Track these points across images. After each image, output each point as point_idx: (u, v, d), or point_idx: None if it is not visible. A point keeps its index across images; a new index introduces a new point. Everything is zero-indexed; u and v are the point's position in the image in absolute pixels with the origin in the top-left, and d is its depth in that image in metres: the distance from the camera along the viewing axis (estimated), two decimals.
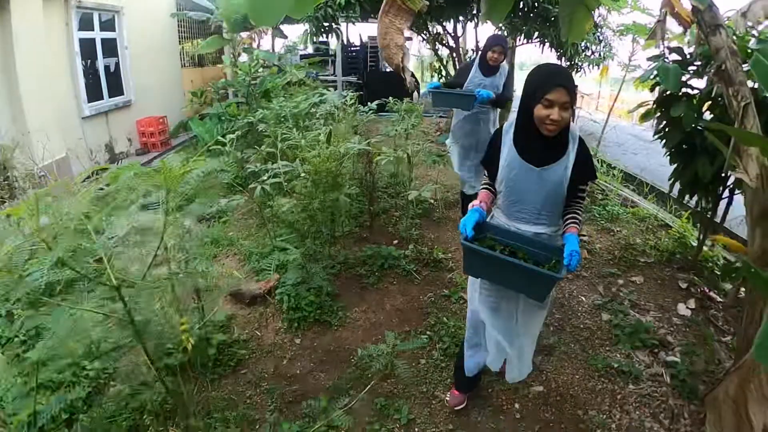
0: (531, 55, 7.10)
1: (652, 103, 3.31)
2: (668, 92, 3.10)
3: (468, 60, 4.42)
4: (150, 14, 7.23)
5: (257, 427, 2.06)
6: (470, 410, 2.19)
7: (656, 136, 3.30)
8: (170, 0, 7.82)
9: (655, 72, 3.15)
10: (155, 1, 7.41)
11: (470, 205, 1.82)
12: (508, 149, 1.80)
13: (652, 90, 3.46)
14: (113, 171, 1.78)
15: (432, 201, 3.86)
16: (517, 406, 2.24)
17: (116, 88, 6.53)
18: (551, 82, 1.62)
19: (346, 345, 2.57)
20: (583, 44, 6.14)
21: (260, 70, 5.73)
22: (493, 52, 3.40)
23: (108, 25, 6.33)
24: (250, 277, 3.16)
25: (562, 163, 1.75)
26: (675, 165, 3.26)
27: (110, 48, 6.40)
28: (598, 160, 5.54)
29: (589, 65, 6.50)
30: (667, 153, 3.28)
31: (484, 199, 1.87)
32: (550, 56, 6.34)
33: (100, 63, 6.18)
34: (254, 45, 7.83)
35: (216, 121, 6.12)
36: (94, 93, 6.00)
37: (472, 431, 2.11)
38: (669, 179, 3.35)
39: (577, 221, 1.82)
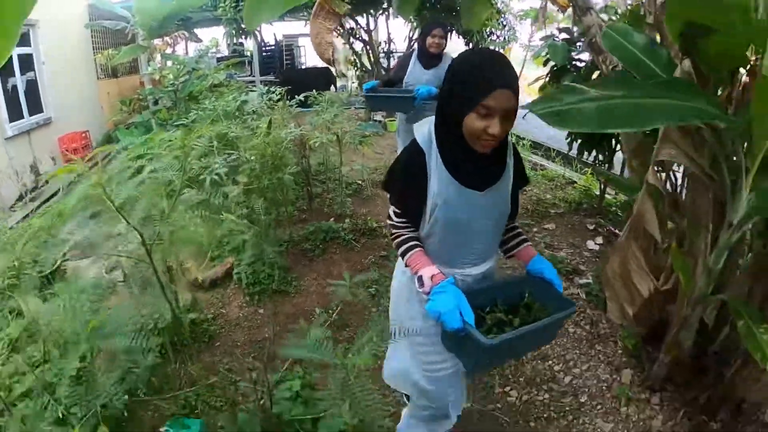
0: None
1: (545, 76, 3.95)
2: (557, 66, 3.75)
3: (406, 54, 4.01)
4: (64, 26, 7.03)
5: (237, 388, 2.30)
6: None
7: None
8: (83, 10, 7.62)
9: (546, 49, 3.82)
10: (69, 11, 7.19)
11: (429, 278, 1.34)
12: (437, 175, 1.33)
13: (545, 65, 4.07)
14: None
15: (360, 182, 4.32)
16: None
17: (36, 106, 6.37)
18: (492, 83, 1.18)
19: (304, 308, 2.91)
20: (488, 30, 6.77)
21: (185, 75, 5.89)
22: (433, 37, 3.10)
23: (24, 39, 6.15)
24: (208, 267, 3.41)
25: (505, 179, 1.39)
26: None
27: (27, 64, 6.24)
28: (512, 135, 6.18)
29: (495, 48, 7.15)
30: None
31: (430, 262, 1.40)
32: (458, 42, 6.93)
33: (18, 80, 6.02)
34: (169, 51, 7.87)
35: (143, 130, 6.21)
36: (14, 112, 5.85)
37: None
38: (566, 139, 3.99)
39: (524, 235, 1.59)
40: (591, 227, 3.85)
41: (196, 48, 8.05)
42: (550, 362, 2.56)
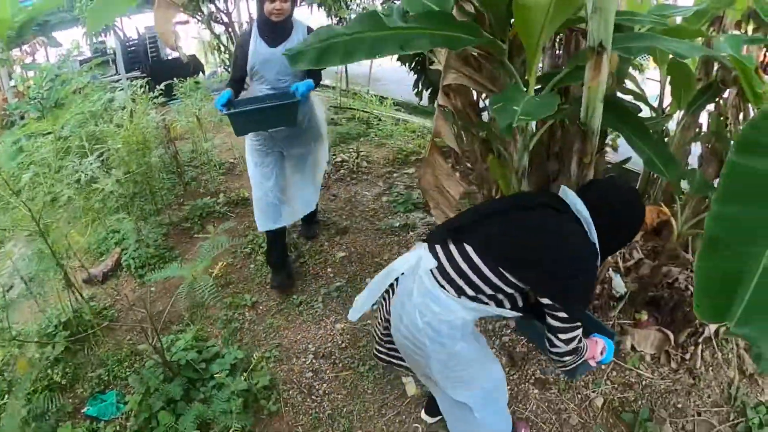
0: (303, 18, 7.81)
1: None
2: None
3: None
4: None
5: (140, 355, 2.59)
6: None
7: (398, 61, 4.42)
8: None
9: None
10: None
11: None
12: (253, 43, 2.57)
13: None
14: None
15: (233, 160, 4.66)
16: (329, 270, 3.20)
17: None
18: None
19: (206, 293, 3.23)
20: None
21: (48, 82, 5.77)
22: (271, 0, 2.44)
23: None
24: (99, 262, 3.63)
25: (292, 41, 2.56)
26: (415, 77, 4.41)
27: None
28: (372, 96, 6.73)
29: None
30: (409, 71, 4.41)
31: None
32: (319, 15, 7.22)
33: None
34: (29, 60, 7.51)
35: (10, 144, 6.03)
36: None
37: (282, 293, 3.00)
38: (413, 90, 4.53)
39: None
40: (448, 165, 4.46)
41: (57, 53, 7.72)
42: None
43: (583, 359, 1.57)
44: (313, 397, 2.36)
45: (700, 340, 2.57)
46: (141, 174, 3.58)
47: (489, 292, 1.48)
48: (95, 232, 3.87)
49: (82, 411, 2.33)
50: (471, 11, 2.09)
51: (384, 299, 1.74)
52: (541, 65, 2.45)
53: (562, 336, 1.47)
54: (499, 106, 1.45)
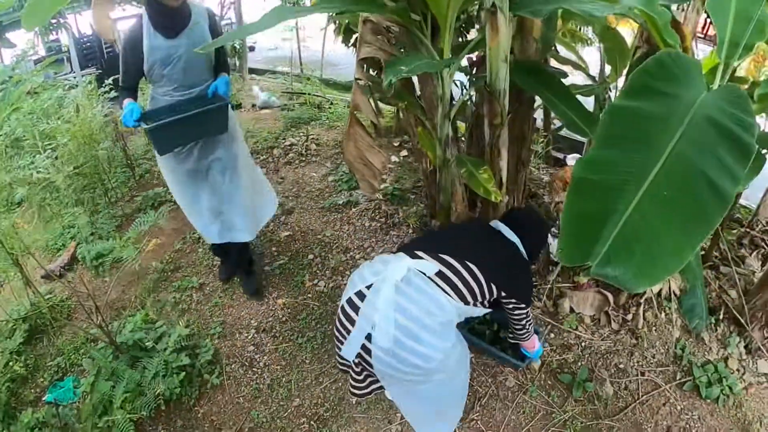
0: (257, 5, 7.77)
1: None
2: None
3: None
4: None
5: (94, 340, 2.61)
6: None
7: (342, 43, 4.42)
8: None
9: None
10: None
11: (123, 104, 2.22)
12: (147, 38, 2.13)
13: None
14: None
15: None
16: (273, 249, 3.23)
17: None
18: None
19: (147, 264, 3.25)
20: None
21: (1, 84, 5.68)
22: None
23: None
24: (53, 260, 3.61)
25: (196, 29, 2.21)
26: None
27: None
28: (326, 82, 6.74)
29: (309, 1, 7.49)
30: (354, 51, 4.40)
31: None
32: (273, 1, 7.18)
33: None
34: None
35: None
36: None
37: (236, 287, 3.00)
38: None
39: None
40: (396, 144, 4.53)
41: (12, 54, 7.56)
42: (352, 253, 3.16)
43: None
44: (254, 369, 2.41)
45: (642, 300, 2.64)
46: (90, 167, 3.56)
47: (480, 299, 1.78)
48: (52, 228, 3.86)
49: (43, 399, 2.38)
50: None
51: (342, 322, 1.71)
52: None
53: (525, 321, 2.02)
54: (390, 68, 1.48)
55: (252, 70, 7.66)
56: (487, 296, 1.79)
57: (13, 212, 4.31)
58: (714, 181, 1.14)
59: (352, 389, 1.93)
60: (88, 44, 7.02)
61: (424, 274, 1.65)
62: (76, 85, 5.14)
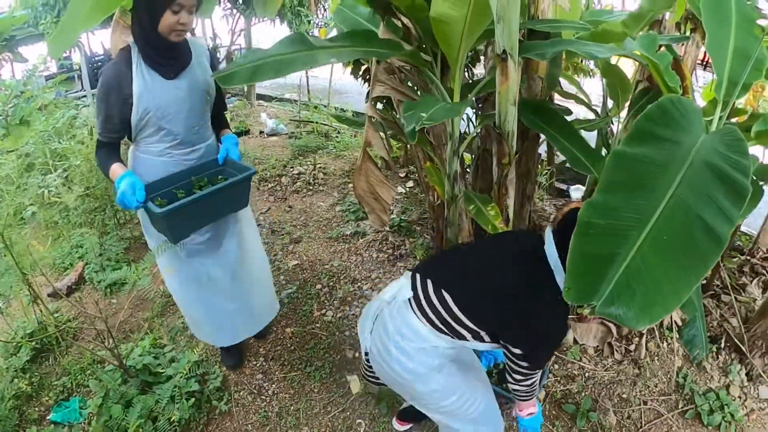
0: (266, 32, 7.91)
1: None
2: None
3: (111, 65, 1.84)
4: None
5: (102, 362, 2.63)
6: None
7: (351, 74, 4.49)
8: None
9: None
10: None
11: (114, 173, 1.76)
12: (139, 77, 1.70)
13: None
14: None
15: None
16: (282, 278, 3.26)
17: None
18: None
19: (155, 288, 3.29)
20: (305, 15, 7.21)
21: (13, 99, 5.78)
22: (176, 11, 1.63)
23: None
24: (60, 279, 3.65)
25: (198, 69, 1.84)
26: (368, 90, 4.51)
27: None
28: (332, 110, 6.83)
29: (317, 30, 7.66)
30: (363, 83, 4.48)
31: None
32: (282, 30, 7.34)
33: None
34: None
35: None
36: None
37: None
38: (365, 101, 4.61)
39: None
40: (402, 175, 4.60)
41: (23, 69, 7.68)
42: (359, 283, 3.20)
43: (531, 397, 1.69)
44: (262, 397, 2.43)
45: (644, 331, 2.68)
46: (101, 189, 3.63)
47: (460, 331, 1.52)
48: (60, 247, 3.91)
49: (47, 418, 2.39)
50: (399, 26, 2.19)
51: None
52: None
53: (521, 379, 1.59)
54: (410, 113, 1.55)
55: (260, 96, 7.79)
56: (480, 332, 1.51)
57: (22, 228, 4.38)
58: (710, 224, 1.20)
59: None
60: (99, 63, 7.11)
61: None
62: (87, 105, 5.22)
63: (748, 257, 3.41)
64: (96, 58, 7.07)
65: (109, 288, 3.35)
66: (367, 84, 4.36)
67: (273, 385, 2.48)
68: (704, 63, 6.71)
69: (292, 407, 2.36)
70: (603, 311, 1.13)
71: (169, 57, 1.77)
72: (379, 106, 2.94)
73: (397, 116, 2.44)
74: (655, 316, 1.13)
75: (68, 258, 3.69)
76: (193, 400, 2.28)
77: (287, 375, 2.54)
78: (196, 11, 1.74)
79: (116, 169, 1.78)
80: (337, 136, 5.78)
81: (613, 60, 3.09)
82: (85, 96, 6.33)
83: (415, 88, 2.43)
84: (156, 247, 1.98)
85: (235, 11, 6.45)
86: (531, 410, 1.72)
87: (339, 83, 7.07)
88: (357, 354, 2.63)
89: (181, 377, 2.34)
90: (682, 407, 2.37)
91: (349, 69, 4.54)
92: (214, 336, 2.42)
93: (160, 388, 2.29)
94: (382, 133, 2.37)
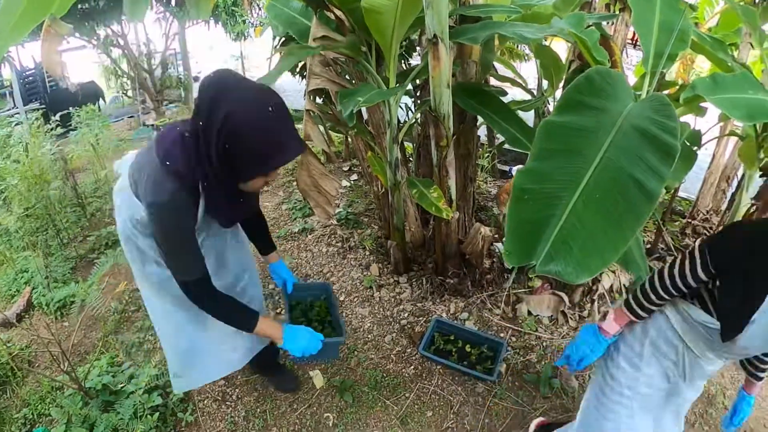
0: (201, 35, 7.75)
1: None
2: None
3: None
4: None
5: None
6: None
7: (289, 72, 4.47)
8: None
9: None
10: None
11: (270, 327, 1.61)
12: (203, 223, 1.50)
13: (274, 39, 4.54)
14: None
15: None
16: None
17: None
18: (291, 151, 1.33)
19: (106, 305, 3.17)
20: (240, 15, 7.11)
21: None
22: (266, 175, 1.41)
23: None
24: (9, 307, 3.49)
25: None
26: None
27: None
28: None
29: (253, 30, 7.58)
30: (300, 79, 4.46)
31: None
32: (217, 31, 7.24)
33: None
34: None
35: None
36: None
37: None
38: (304, 97, 4.62)
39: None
40: (346, 169, 4.60)
41: None
42: (312, 279, 3.19)
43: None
44: (227, 403, 2.40)
45: (595, 297, 2.79)
46: (42, 208, 3.50)
47: None
48: (4, 273, 3.75)
49: None
50: (332, 18, 2.20)
51: None
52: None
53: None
54: (346, 100, 1.57)
55: None
56: None
57: None
58: (641, 181, 1.27)
59: None
60: (31, 79, 6.81)
61: None
62: (20, 122, 5.00)
63: (689, 220, 3.61)
64: (27, 73, 6.76)
65: (59, 310, 3.23)
66: (304, 80, 4.36)
67: (236, 390, 2.44)
68: (634, 42, 7.01)
69: (259, 409, 2.34)
70: (543, 269, 1.19)
71: (236, 210, 1.60)
72: (319, 100, 2.94)
73: (337, 109, 2.46)
74: (594, 269, 1.19)
75: (14, 284, 3.52)
76: (157, 414, 2.23)
77: (249, 378, 2.50)
78: None
79: (268, 322, 1.65)
80: None
81: (546, 42, 3.19)
82: (18, 113, 6.03)
83: (351, 79, 2.44)
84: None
85: (168, 14, 6.29)
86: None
87: (278, 82, 7.00)
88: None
89: (143, 392, 2.31)
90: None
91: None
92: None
93: (122, 406, 2.25)
94: (321, 127, 2.38)
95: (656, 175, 1.28)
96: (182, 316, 1.73)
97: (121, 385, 2.39)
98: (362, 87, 1.85)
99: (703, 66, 5.03)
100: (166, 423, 2.28)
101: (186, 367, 1.88)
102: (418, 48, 3.07)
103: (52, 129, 4.19)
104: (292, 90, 7.54)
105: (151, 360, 2.60)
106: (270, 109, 1.27)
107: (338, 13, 2.10)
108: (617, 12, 2.81)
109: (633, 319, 1.49)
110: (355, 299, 2.98)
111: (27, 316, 3.32)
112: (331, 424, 2.26)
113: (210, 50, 10.64)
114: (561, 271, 1.18)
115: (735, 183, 3.45)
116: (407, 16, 1.90)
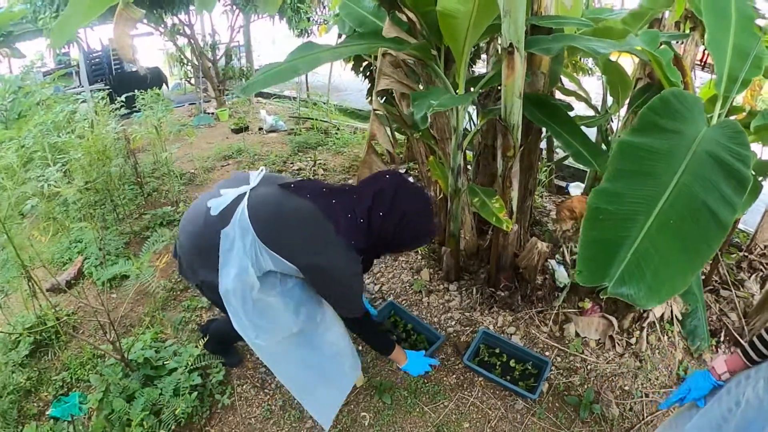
0: (264, 29, 7.90)
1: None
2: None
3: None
4: None
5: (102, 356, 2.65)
6: None
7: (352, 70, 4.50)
8: None
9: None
10: None
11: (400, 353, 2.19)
12: None
13: (339, 37, 4.62)
14: None
15: (193, 170, 4.70)
16: None
17: None
18: (433, 235, 2.02)
19: (152, 284, 3.29)
20: (304, 12, 7.22)
21: (11, 95, 5.76)
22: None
23: None
24: (59, 273, 3.64)
25: None
26: (369, 86, 4.50)
27: None
28: (331, 107, 6.87)
29: (317, 27, 7.68)
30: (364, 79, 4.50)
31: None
32: (281, 26, 7.36)
33: None
34: None
35: None
36: None
37: None
38: (366, 98, 4.62)
39: None
40: (402, 171, 4.58)
41: (21, 64, 7.67)
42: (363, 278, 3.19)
43: None
44: (265, 390, 2.43)
45: (645, 324, 2.70)
46: (102, 183, 3.63)
47: None
48: (59, 241, 3.91)
49: (47, 413, 2.37)
50: (404, 20, 2.20)
51: None
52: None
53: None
54: (418, 102, 1.57)
55: (258, 93, 7.79)
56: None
57: (22, 221, 4.35)
58: (714, 210, 1.25)
59: None
60: (97, 60, 7.15)
61: None
62: (85, 101, 5.21)
63: (746, 254, 3.45)
64: (94, 54, 7.06)
65: (109, 282, 3.34)
66: (366, 80, 4.39)
67: (276, 379, 2.45)
68: (702, 63, 6.77)
69: (296, 401, 2.33)
70: (614, 291, 1.16)
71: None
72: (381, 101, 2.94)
73: (401, 109, 2.46)
74: (664, 296, 1.17)
75: (67, 253, 3.68)
76: (195, 393, 2.28)
77: None
78: None
79: (399, 348, 2.19)
80: (336, 133, 5.80)
81: (613, 58, 3.12)
82: (83, 91, 6.30)
83: (420, 83, 2.44)
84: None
85: (234, 7, 6.46)
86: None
87: (338, 80, 7.09)
88: (360, 347, 2.64)
89: (184, 370, 2.35)
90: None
91: (349, 65, 4.57)
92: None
93: (162, 382, 2.30)
94: (386, 127, 2.38)
95: (728, 205, 1.27)
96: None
97: (165, 362, 2.44)
98: (433, 90, 1.84)
99: None
100: (203, 403, 2.32)
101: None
102: (483, 56, 3.04)
103: (117, 109, 4.33)
104: (353, 89, 7.63)
105: (195, 340, 2.65)
106: (430, 206, 1.73)
107: (411, 15, 2.09)
108: (688, 31, 2.73)
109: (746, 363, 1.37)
110: (404, 302, 2.97)
111: (76, 285, 3.46)
112: (366, 424, 2.26)
113: (272, 45, 10.85)
114: (633, 295, 1.16)
115: None
116: (481, 22, 1.89)
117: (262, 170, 1.78)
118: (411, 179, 4.30)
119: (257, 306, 1.76)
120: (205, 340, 2.18)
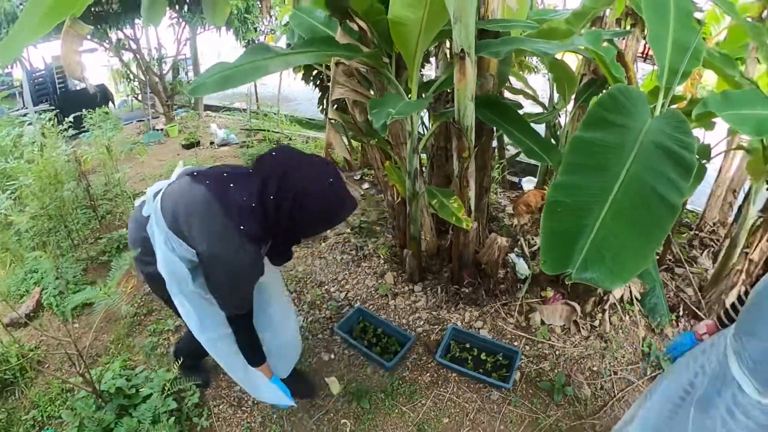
0: (210, 41, 7.78)
1: None
2: None
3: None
4: None
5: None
6: None
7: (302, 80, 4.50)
8: None
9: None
10: None
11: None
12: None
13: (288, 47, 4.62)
14: None
15: (145, 190, 4.59)
16: None
17: None
18: (348, 211, 1.59)
19: (114, 311, 3.20)
20: (251, 23, 7.15)
21: None
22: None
23: None
24: (18, 307, 3.50)
25: None
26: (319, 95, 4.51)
27: None
28: (282, 117, 6.83)
29: (264, 37, 7.62)
30: (314, 89, 4.51)
31: None
32: (227, 38, 7.26)
33: None
34: None
35: None
36: None
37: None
38: (318, 107, 4.64)
39: None
40: (357, 177, 4.62)
41: None
42: (327, 286, 3.21)
43: None
44: (243, 408, 2.41)
45: (606, 306, 2.83)
46: (55, 209, 3.51)
47: None
48: (13, 273, 3.75)
49: None
50: (355, 29, 2.23)
51: None
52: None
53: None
54: (377, 110, 1.61)
55: (207, 107, 7.67)
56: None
57: None
58: (663, 195, 1.36)
59: None
60: (41, 79, 6.84)
61: None
62: (31, 123, 5.00)
63: (697, 232, 3.65)
64: (37, 74, 6.77)
65: (71, 312, 3.23)
66: (317, 89, 4.40)
67: (251, 396, 2.44)
68: (644, 55, 7.09)
69: (275, 415, 2.35)
70: (578, 277, 1.25)
71: (290, 254, 1.84)
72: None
73: (355, 117, 2.49)
74: (626, 276, 1.27)
75: (23, 284, 3.53)
76: (172, 419, 2.23)
77: None
78: None
79: (266, 367, 1.99)
80: (288, 143, 5.77)
81: (558, 56, 3.24)
82: (28, 113, 6.04)
83: (372, 90, 2.48)
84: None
85: (181, 20, 6.35)
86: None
87: (287, 90, 7.04)
88: (333, 356, 2.66)
89: (159, 396, 2.30)
90: (650, 374, 2.54)
91: (299, 75, 4.57)
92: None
93: (138, 410, 2.24)
94: (342, 135, 2.41)
95: (676, 189, 1.37)
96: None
97: (139, 389, 2.38)
98: (389, 98, 1.88)
99: (709, 80, 5.09)
100: (180, 427, 2.28)
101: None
102: (432, 59, 3.11)
103: (65, 130, 4.19)
104: (303, 99, 7.59)
105: (166, 364, 2.60)
106: (330, 181, 1.51)
107: (362, 24, 2.13)
108: (629, 28, 2.87)
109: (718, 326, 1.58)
110: (371, 307, 3.00)
111: (36, 317, 3.34)
112: (348, 431, 2.27)
113: (218, 57, 10.67)
114: (596, 279, 1.24)
115: (741, 196, 3.49)
116: (432, 28, 1.94)
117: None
118: (366, 185, 4.38)
119: (193, 299, 1.75)
120: (180, 362, 2.15)
